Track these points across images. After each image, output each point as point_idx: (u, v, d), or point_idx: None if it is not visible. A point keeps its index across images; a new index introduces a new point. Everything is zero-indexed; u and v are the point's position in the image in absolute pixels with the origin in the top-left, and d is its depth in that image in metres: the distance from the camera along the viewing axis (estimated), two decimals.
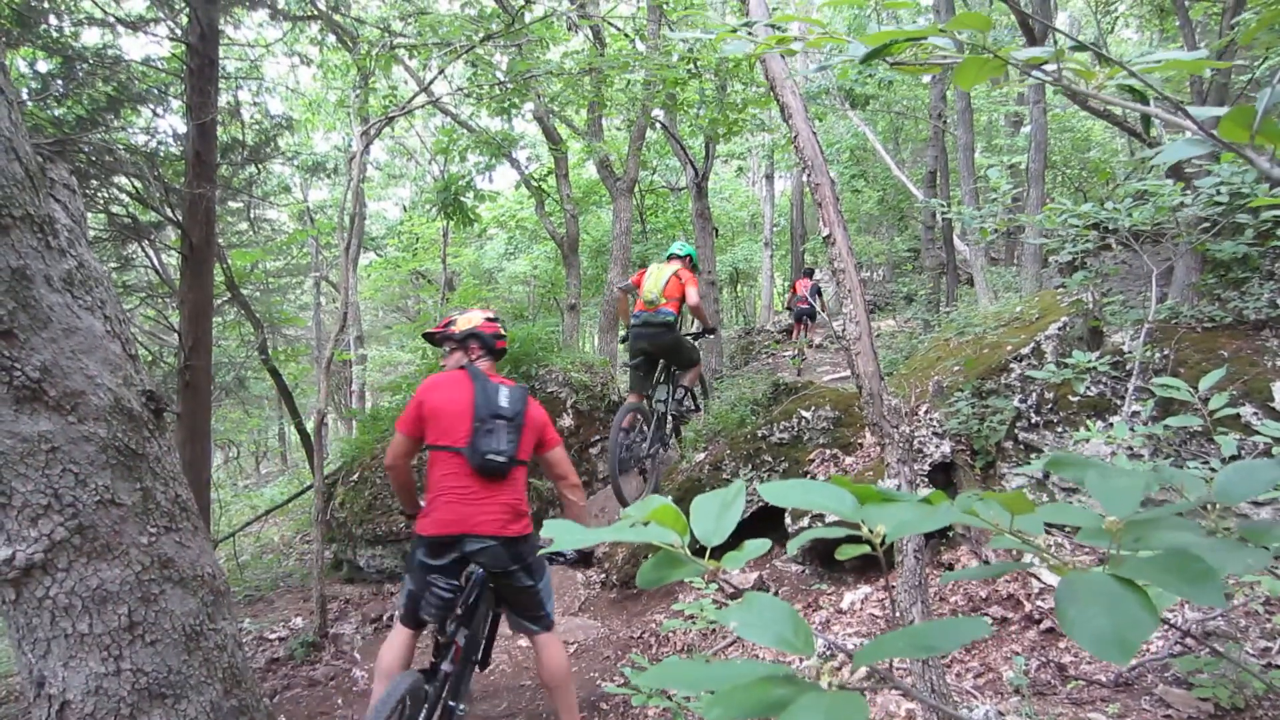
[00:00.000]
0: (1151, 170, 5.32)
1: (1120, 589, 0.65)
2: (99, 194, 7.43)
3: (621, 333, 6.97)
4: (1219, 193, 4.21)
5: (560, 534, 0.86)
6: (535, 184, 12.25)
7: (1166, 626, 3.46)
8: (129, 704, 2.61)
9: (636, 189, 13.23)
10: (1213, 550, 0.66)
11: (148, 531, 2.71)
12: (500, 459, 3.44)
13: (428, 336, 4.25)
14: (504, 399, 3.58)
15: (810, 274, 16.17)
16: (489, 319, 3.93)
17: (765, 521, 5.06)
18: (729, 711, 0.64)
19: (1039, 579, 3.99)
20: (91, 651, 2.56)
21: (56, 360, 2.49)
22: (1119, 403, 4.67)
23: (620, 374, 9.21)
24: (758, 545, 0.90)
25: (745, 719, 0.60)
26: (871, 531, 0.75)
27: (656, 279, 6.39)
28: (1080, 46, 1.11)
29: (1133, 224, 4.58)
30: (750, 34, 1.51)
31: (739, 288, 27.50)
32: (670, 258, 6.70)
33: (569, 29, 10.75)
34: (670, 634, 4.76)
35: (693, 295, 6.33)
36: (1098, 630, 0.63)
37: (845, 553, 0.89)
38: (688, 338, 6.69)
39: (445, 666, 3.34)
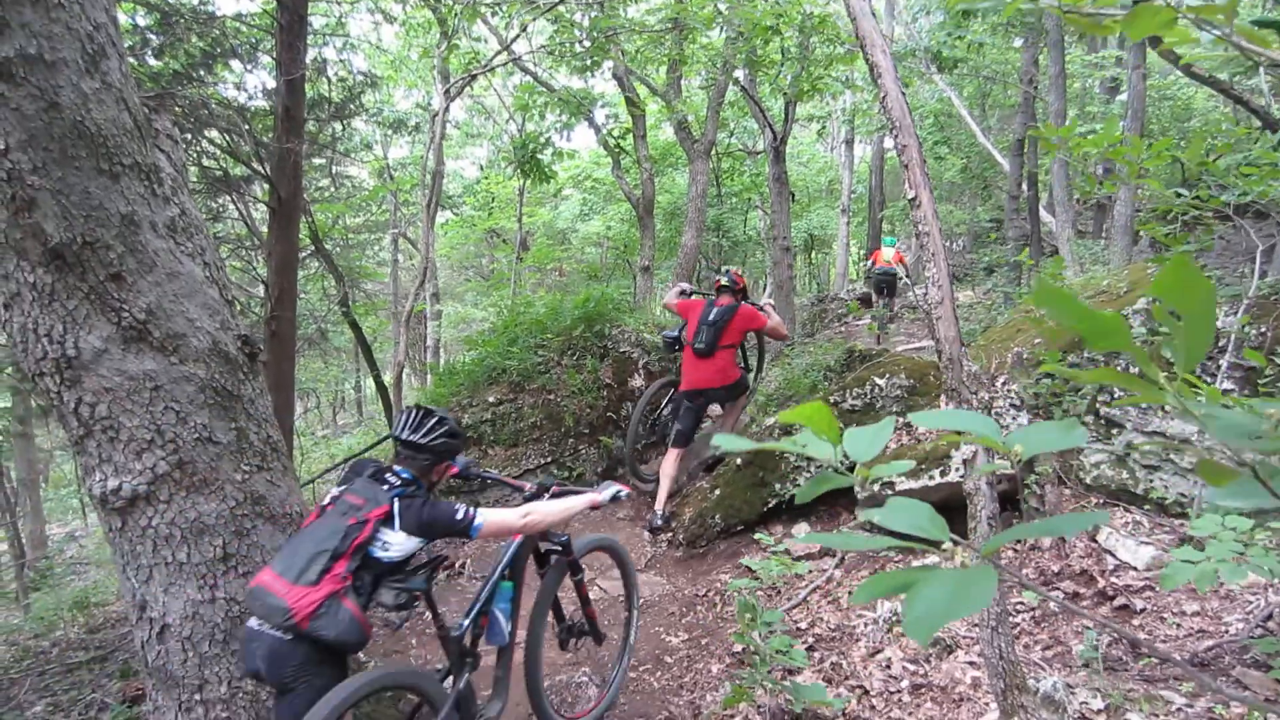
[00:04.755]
0: (1257, 142, 5.04)
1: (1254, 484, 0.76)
2: (192, 147, 7.68)
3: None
4: None
5: (727, 443, 0.99)
6: (613, 143, 12.19)
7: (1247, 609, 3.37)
8: (223, 630, 2.76)
9: (714, 152, 13.09)
10: None
11: (241, 469, 2.85)
12: (702, 348, 6.00)
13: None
14: (712, 315, 6.04)
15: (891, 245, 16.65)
16: (735, 274, 6.29)
17: (834, 493, 5.03)
18: (871, 594, 0.77)
19: (1114, 555, 3.90)
20: (189, 579, 2.72)
21: (160, 303, 2.62)
22: (1209, 380, 4.49)
23: None
24: (902, 464, 1.02)
25: (883, 596, 0.68)
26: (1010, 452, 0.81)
27: (888, 254, 13.64)
28: (1265, 24, 1.10)
29: (1241, 197, 4.35)
30: None
31: (813, 255, 27.08)
32: (889, 245, 14.20)
33: None
34: (735, 592, 4.79)
35: (908, 262, 14.17)
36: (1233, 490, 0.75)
37: (986, 468, 0.92)
38: (900, 282, 13.89)
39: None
